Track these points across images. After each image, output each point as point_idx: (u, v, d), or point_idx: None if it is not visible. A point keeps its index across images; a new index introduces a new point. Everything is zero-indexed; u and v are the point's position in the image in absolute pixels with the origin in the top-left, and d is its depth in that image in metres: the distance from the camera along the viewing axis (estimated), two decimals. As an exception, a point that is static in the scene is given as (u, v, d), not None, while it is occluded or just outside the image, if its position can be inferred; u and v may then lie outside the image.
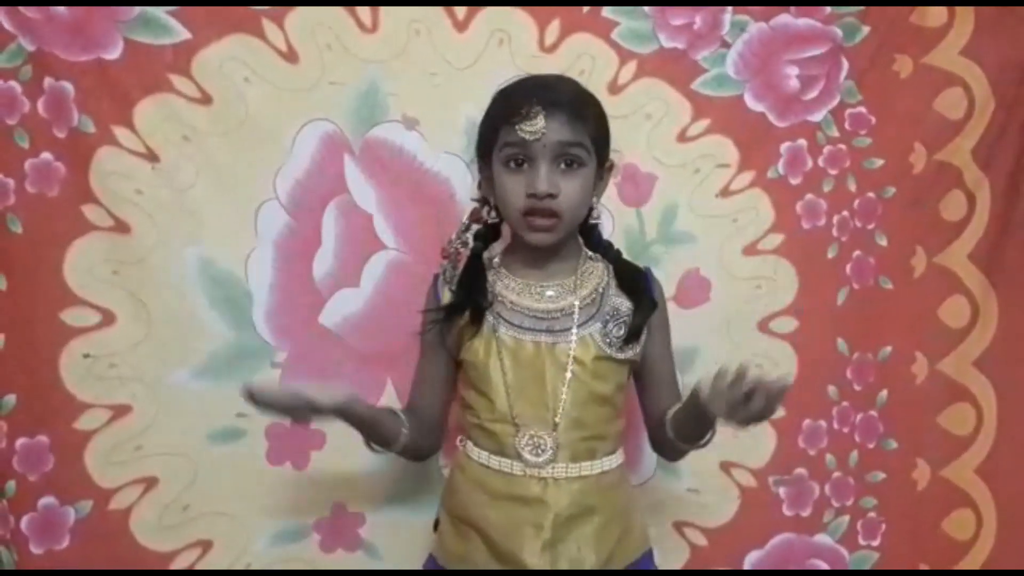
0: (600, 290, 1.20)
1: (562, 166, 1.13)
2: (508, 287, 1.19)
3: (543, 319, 1.17)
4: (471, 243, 1.22)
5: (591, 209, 1.21)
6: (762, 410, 0.98)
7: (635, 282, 1.21)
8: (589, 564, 1.12)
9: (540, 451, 1.14)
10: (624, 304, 1.19)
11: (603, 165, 1.20)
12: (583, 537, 1.13)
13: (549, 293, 1.19)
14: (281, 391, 1.06)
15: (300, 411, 1.06)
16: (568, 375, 1.15)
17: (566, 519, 1.12)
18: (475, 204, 1.26)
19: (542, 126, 1.10)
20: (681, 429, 1.18)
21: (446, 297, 1.20)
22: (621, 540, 1.16)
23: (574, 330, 1.16)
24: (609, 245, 1.26)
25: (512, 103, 1.13)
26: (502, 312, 1.18)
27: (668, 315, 1.27)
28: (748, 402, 0.98)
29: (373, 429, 1.18)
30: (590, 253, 1.24)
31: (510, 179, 1.14)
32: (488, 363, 1.16)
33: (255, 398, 1.03)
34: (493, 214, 1.22)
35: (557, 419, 1.14)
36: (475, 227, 1.24)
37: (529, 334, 1.16)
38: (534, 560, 1.10)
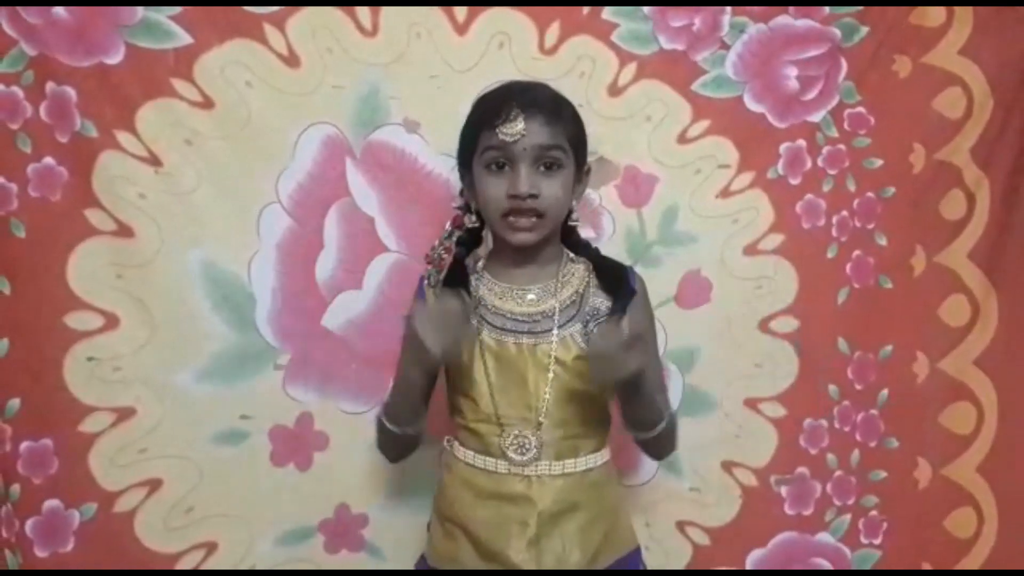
0: (581, 291, 1.21)
1: (541, 168, 1.15)
2: (491, 291, 1.21)
3: (525, 321, 1.18)
4: (454, 249, 1.24)
5: (570, 211, 1.22)
6: (614, 355, 1.05)
7: (615, 276, 1.22)
8: (574, 560, 1.13)
9: (525, 450, 1.15)
10: (604, 304, 1.20)
11: (581, 168, 1.21)
12: (567, 534, 1.14)
13: (530, 296, 1.20)
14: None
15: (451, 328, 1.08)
16: (550, 375, 1.16)
17: (551, 516, 1.14)
18: (457, 212, 1.27)
19: (521, 128, 1.12)
20: (624, 416, 1.19)
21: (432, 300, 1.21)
22: (608, 537, 1.18)
23: (555, 331, 1.17)
24: (587, 244, 1.27)
25: (491, 107, 1.15)
26: (485, 315, 1.19)
27: (652, 311, 1.28)
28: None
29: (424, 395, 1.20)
30: (571, 255, 1.25)
31: (491, 182, 1.16)
32: (472, 365, 1.18)
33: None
34: (475, 219, 1.23)
35: (541, 418, 1.15)
36: (457, 233, 1.25)
37: (511, 336, 1.18)
38: (519, 557, 1.12)
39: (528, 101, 1.14)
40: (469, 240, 1.25)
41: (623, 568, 1.20)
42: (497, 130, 1.13)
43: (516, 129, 1.12)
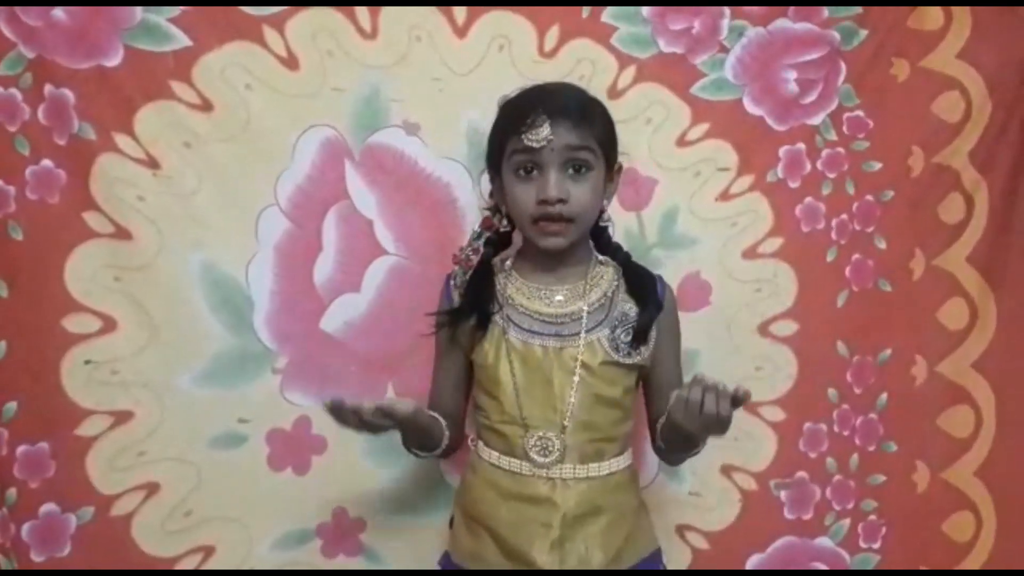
0: (609, 295, 1.21)
1: (570, 171, 1.15)
2: (519, 290, 1.21)
3: (552, 323, 1.18)
4: (482, 250, 1.24)
5: (601, 212, 1.22)
6: (713, 413, 1.01)
7: (643, 285, 1.22)
8: (596, 562, 1.14)
9: (547, 452, 1.15)
10: (633, 310, 1.20)
11: (612, 167, 1.21)
12: (590, 536, 1.14)
13: (558, 298, 1.20)
14: (363, 403, 1.05)
15: (378, 423, 1.06)
16: (575, 379, 1.16)
17: (574, 518, 1.14)
18: (486, 213, 1.27)
19: (547, 134, 1.12)
20: (667, 442, 1.21)
21: (456, 300, 1.22)
22: (629, 539, 1.18)
23: (582, 335, 1.17)
24: (618, 248, 1.27)
25: (517, 113, 1.15)
26: (512, 316, 1.19)
27: (679, 324, 1.28)
28: (703, 406, 1.01)
29: (425, 435, 1.20)
30: (600, 257, 1.25)
31: (520, 187, 1.16)
32: (497, 366, 1.18)
33: (339, 408, 1.03)
34: (505, 222, 1.23)
35: (565, 421, 1.15)
36: (486, 234, 1.25)
37: (537, 338, 1.17)
38: (542, 558, 1.12)
39: (554, 106, 1.13)
40: (498, 242, 1.25)
41: (645, 569, 1.20)
42: (523, 136, 1.12)
43: (542, 135, 1.12)
